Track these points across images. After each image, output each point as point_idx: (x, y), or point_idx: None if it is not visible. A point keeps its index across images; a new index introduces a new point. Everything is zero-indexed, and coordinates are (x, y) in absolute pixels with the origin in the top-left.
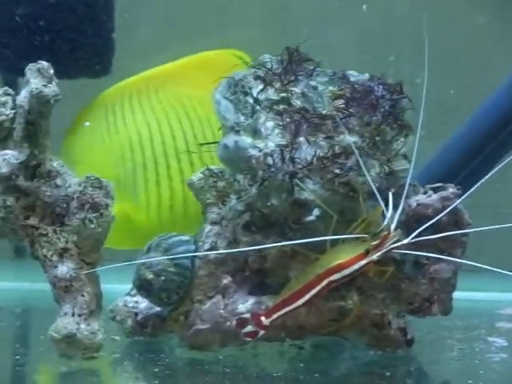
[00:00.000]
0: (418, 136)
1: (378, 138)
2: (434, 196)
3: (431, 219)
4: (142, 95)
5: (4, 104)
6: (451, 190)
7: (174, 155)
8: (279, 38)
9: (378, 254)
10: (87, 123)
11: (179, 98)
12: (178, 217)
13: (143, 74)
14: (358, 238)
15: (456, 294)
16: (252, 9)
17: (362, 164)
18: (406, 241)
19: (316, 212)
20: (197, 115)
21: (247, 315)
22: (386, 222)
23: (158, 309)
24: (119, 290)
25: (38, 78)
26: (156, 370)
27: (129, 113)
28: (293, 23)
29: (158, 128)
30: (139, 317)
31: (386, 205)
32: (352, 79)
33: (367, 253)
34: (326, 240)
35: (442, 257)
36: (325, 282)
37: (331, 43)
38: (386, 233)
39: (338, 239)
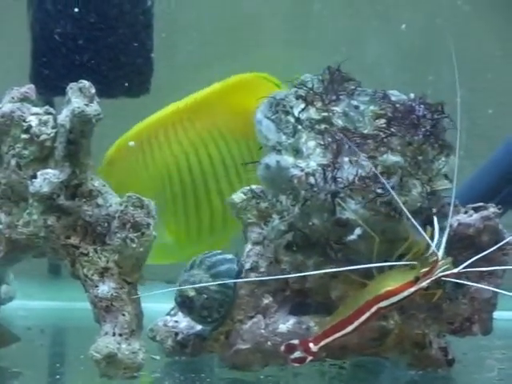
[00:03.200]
0: (457, 155)
1: (420, 158)
2: (475, 215)
3: (472, 239)
4: (176, 125)
5: (45, 123)
6: (492, 209)
7: (212, 179)
8: (318, 57)
9: (428, 281)
10: (132, 143)
11: (214, 123)
12: (218, 236)
13: (175, 105)
14: (406, 264)
15: (495, 314)
16: (289, 28)
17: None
18: (456, 270)
19: (358, 232)
20: (233, 138)
21: (295, 341)
22: (432, 246)
23: (199, 328)
24: (159, 310)
25: (79, 97)
26: None
27: (165, 144)
28: (330, 43)
29: (195, 155)
30: (179, 336)
31: (427, 224)
32: (393, 99)
33: (416, 280)
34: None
35: (490, 288)
36: (374, 309)
37: (370, 62)
38: (435, 259)
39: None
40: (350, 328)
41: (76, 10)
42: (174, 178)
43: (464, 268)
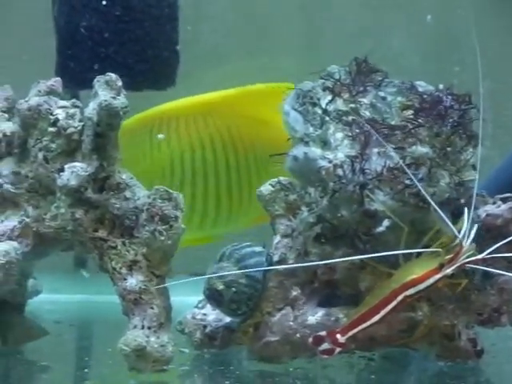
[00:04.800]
0: (479, 145)
1: (448, 149)
2: (503, 206)
3: (500, 229)
4: (189, 118)
5: (72, 116)
6: None
7: (212, 178)
8: (346, 48)
9: (452, 268)
10: (161, 135)
11: (227, 125)
12: (219, 229)
13: (193, 99)
14: (431, 251)
15: None
16: (312, 19)
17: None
18: (480, 256)
19: (386, 223)
20: (242, 144)
21: (323, 333)
22: (457, 234)
23: (227, 321)
24: (188, 303)
25: (106, 90)
26: (226, 382)
27: (174, 134)
28: (359, 34)
29: (201, 152)
30: (208, 329)
31: (456, 215)
32: (420, 89)
33: (441, 267)
34: (398, 253)
35: None
36: (400, 298)
37: (396, 54)
38: (459, 247)
39: (412, 252)
40: (376, 317)
41: (103, 2)
42: (175, 168)
43: (488, 254)
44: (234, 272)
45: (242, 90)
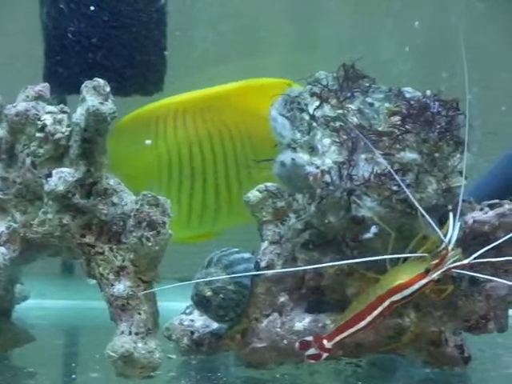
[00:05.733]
0: (465, 151)
1: (436, 155)
2: (491, 213)
3: (488, 236)
4: (187, 113)
5: (60, 122)
6: (507, 206)
7: (210, 173)
8: (333, 55)
9: (438, 272)
10: (148, 141)
11: (224, 120)
12: (206, 228)
13: (191, 94)
14: (417, 257)
15: (511, 311)
16: (302, 28)
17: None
18: (466, 261)
19: (374, 229)
20: (240, 137)
21: (310, 338)
22: (443, 239)
23: (214, 327)
24: (174, 308)
25: (94, 96)
26: None
27: (171, 129)
28: (348, 40)
29: (198, 146)
30: (195, 335)
31: (443, 222)
32: (408, 95)
33: (427, 272)
34: (384, 258)
35: (501, 280)
36: (386, 303)
37: (383, 60)
38: (445, 251)
39: (398, 257)
40: (363, 323)
41: (91, 8)
42: (173, 163)
43: (474, 259)
44: (221, 277)
45: (240, 84)
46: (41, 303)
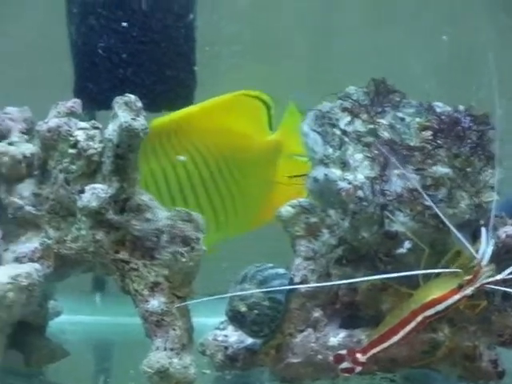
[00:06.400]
0: (496, 166)
1: (468, 170)
2: None
3: None
4: (158, 138)
5: (92, 138)
6: None
7: (202, 190)
8: (362, 68)
9: (471, 288)
10: (182, 157)
11: (192, 142)
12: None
13: (160, 119)
14: (451, 272)
15: None
16: (325, 42)
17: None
18: (499, 276)
19: (407, 245)
20: (221, 153)
21: (344, 351)
22: (478, 256)
23: (249, 342)
24: (208, 324)
25: (126, 112)
26: None
27: (160, 150)
28: (373, 54)
29: (182, 166)
30: (229, 351)
31: (476, 237)
32: (438, 110)
33: (460, 288)
34: (418, 274)
35: None
36: (419, 318)
37: (412, 74)
38: (478, 267)
39: (431, 273)
40: (396, 338)
41: (123, 24)
42: (161, 186)
43: (508, 274)
44: (254, 291)
45: (201, 105)
46: (73, 319)
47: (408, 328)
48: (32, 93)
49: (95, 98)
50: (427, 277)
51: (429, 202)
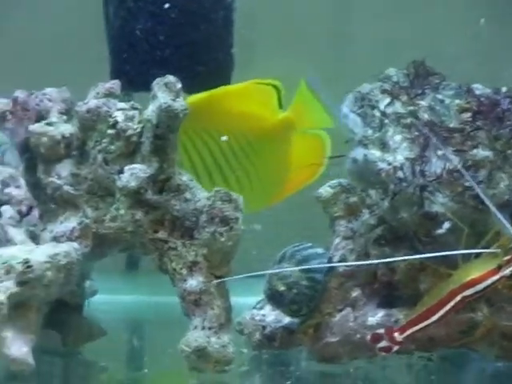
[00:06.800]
0: None
1: (509, 152)
2: None
3: None
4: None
5: (131, 118)
6: None
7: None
8: (395, 52)
9: (511, 269)
10: (225, 137)
11: (205, 126)
12: None
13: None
14: (490, 252)
15: None
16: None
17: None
18: None
19: (446, 225)
20: (234, 135)
21: (381, 331)
22: None
23: (286, 322)
24: (246, 303)
25: (165, 93)
26: (286, 383)
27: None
28: (411, 38)
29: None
30: (267, 330)
31: None
32: (477, 92)
33: (499, 268)
34: (457, 254)
35: None
36: (458, 298)
37: (450, 57)
38: None
39: (470, 253)
40: (434, 317)
41: (158, 6)
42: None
43: None
44: (292, 269)
45: (222, 89)
46: (107, 298)
47: (447, 308)
48: (69, 74)
49: (132, 79)
50: (466, 257)
51: (470, 183)
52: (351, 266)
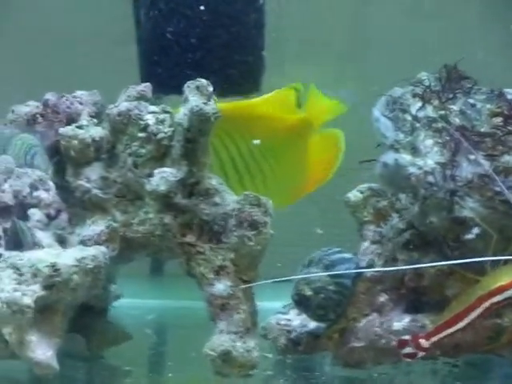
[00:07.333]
0: None
1: None
2: None
3: None
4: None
5: (162, 121)
6: None
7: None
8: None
9: None
10: (257, 141)
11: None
12: None
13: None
14: None
15: None
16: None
17: None
18: None
19: (476, 230)
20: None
21: (407, 337)
22: None
23: (312, 327)
24: (269, 308)
25: (197, 96)
26: None
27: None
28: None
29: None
30: (292, 335)
31: None
32: (509, 97)
33: None
34: (486, 260)
35: None
36: (486, 305)
37: (478, 61)
38: None
39: (499, 259)
40: (461, 324)
41: (190, 8)
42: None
43: None
44: (319, 274)
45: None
46: (132, 302)
47: (474, 314)
48: (100, 77)
49: (163, 82)
50: (495, 263)
51: (501, 188)
52: (380, 275)
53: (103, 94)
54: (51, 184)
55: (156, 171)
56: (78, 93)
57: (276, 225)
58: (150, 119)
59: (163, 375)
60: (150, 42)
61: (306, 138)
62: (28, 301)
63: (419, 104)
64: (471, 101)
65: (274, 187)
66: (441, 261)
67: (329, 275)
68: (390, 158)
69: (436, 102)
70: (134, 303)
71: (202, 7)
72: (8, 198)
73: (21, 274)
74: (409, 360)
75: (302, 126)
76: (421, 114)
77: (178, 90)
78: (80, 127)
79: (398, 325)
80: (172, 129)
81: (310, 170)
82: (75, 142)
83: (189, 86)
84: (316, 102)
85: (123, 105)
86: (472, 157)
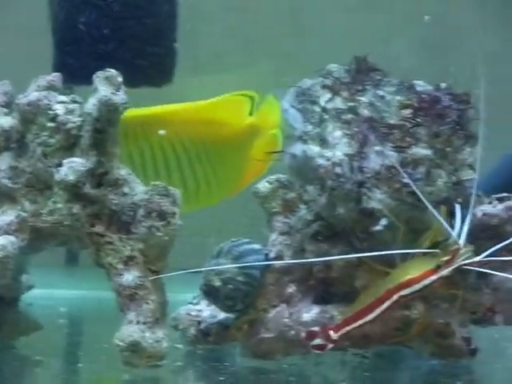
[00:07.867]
0: (479, 144)
1: (448, 149)
2: (500, 206)
3: (496, 229)
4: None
5: (72, 111)
6: None
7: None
8: (343, 48)
9: (449, 269)
10: (162, 131)
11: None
12: None
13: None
14: (428, 252)
15: None
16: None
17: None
18: (477, 258)
19: (383, 222)
20: (193, 143)
21: (316, 328)
22: (455, 235)
23: (221, 317)
24: (181, 299)
25: (106, 86)
26: (220, 378)
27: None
28: (357, 33)
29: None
30: (202, 325)
31: (454, 215)
32: (419, 89)
33: (438, 268)
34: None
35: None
36: (395, 297)
37: (393, 54)
38: (456, 248)
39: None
40: (370, 316)
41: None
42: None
43: (486, 257)
44: (229, 266)
45: (195, 104)
46: (45, 293)
47: (383, 307)
48: (11, 67)
49: (74, 72)
50: (404, 255)
51: (407, 180)
52: (288, 263)
53: (16, 84)
54: None
55: (65, 161)
56: None
57: (188, 215)
58: (59, 109)
59: (74, 365)
60: (62, 33)
61: (251, 141)
62: None
63: (328, 95)
64: (380, 93)
65: (205, 188)
66: (349, 252)
67: (238, 267)
68: (298, 149)
69: (345, 94)
70: (47, 293)
71: None
72: None
73: None
74: (318, 352)
75: (249, 131)
76: (330, 106)
77: (90, 81)
78: None
79: (306, 316)
80: (81, 119)
81: (247, 168)
82: None
83: (98, 77)
84: (269, 110)
85: (33, 94)
86: (380, 148)
